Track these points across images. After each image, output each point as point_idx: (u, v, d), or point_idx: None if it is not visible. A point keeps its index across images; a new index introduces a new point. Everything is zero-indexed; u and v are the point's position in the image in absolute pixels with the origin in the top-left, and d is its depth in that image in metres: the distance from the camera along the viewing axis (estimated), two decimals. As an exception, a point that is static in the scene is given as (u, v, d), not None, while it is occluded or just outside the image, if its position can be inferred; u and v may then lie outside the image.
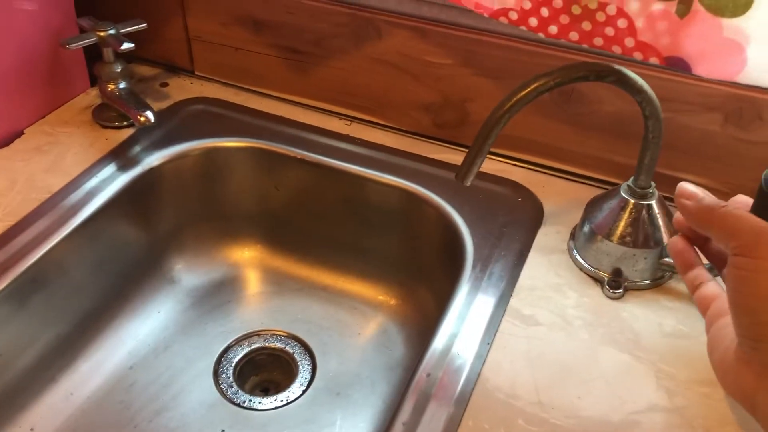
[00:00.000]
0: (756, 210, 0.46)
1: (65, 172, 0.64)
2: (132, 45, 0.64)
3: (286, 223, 0.71)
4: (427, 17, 0.63)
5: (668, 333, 0.52)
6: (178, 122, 0.71)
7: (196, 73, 0.78)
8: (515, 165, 0.67)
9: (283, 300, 0.70)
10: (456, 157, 0.68)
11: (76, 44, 0.64)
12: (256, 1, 0.69)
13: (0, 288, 0.54)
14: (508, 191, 0.64)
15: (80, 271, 0.62)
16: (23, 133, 0.68)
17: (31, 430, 0.57)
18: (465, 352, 0.50)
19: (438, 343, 0.50)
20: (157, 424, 0.59)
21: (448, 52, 0.64)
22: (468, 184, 0.51)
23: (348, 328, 0.68)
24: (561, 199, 0.64)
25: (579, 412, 0.46)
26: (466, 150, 0.68)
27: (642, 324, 0.53)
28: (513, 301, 0.54)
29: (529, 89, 0.47)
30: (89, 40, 0.65)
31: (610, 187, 0.60)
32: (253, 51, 0.73)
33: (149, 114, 0.64)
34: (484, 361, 0.49)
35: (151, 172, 0.65)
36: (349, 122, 0.72)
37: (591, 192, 0.63)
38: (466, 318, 0.53)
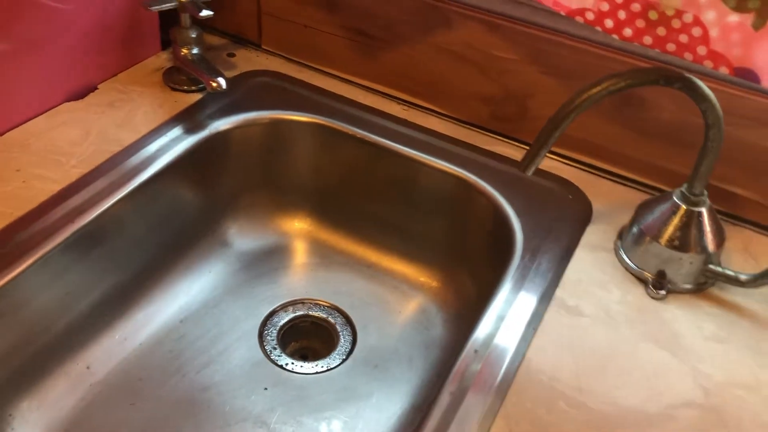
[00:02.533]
0: None
1: (135, 129, 0.67)
2: (211, 13, 0.67)
3: (337, 199, 0.74)
4: (499, 12, 0.65)
5: (707, 336, 0.54)
6: (244, 92, 0.73)
7: (263, 46, 0.80)
8: (567, 164, 0.69)
9: (328, 272, 0.73)
10: (510, 150, 0.70)
11: (157, 7, 0.67)
12: (332, -19, 0.71)
13: (68, 234, 0.57)
14: (558, 188, 0.66)
15: (141, 225, 0.64)
16: (96, 88, 0.71)
17: (87, 368, 0.60)
18: (511, 334, 0.52)
19: (486, 323, 0.53)
20: (203, 376, 0.62)
21: (516, 47, 0.66)
22: (530, 174, 0.53)
23: (389, 305, 0.70)
24: (610, 200, 0.65)
25: (617, 400, 0.49)
26: (521, 144, 0.71)
27: (682, 325, 0.54)
28: (558, 292, 0.56)
29: (600, 87, 0.49)
30: (170, 4, 0.68)
31: (658, 193, 0.62)
32: (321, 30, 0.75)
33: (221, 80, 0.67)
34: (529, 345, 0.52)
35: (218, 136, 0.68)
36: (407, 107, 0.74)
37: (639, 196, 0.65)
38: (513, 303, 0.55)
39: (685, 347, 0.53)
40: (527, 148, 0.69)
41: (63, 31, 0.66)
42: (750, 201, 0.63)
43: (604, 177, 0.68)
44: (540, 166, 0.67)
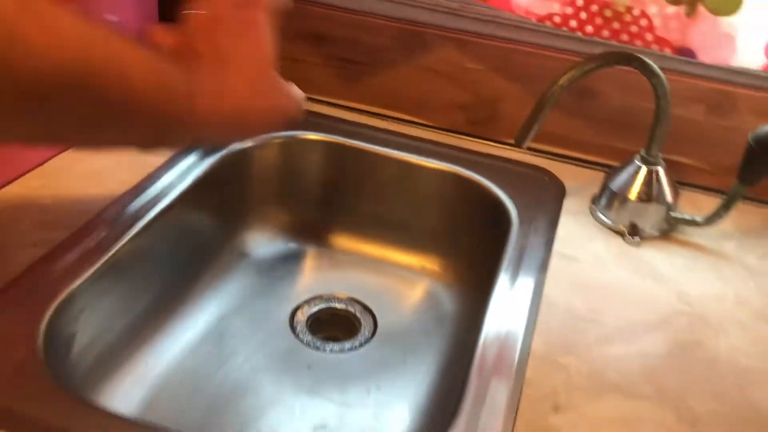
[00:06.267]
0: (743, 165, 0.61)
1: (162, 153, 0.74)
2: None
3: (343, 205, 0.83)
4: (469, 30, 0.78)
5: (680, 268, 0.66)
6: (249, 118, 0.82)
7: (255, 82, 0.89)
8: (539, 155, 0.81)
9: (340, 271, 0.81)
10: (487, 148, 0.82)
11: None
12: (319, 18, 0.82)
13: (124, 242, 0.63)
14: (535, 173, 0.78)
15: (175, 239, 0.71)
16: (114, 124, 0.78)
17: (146, 364, 0.65)
18: (527, 278, 0.62)
19: (504, 273, 0.63)
20: (251, 362, 0.68)
21: (484, 59, 0.78)
22: (525, 146, 0.65)
23: (400, 291, 0.79)
24: (578, 179, 0.78)
25: (623, 315, 0.59)
26: (497, 143, 0.82)
27: (659, 262, 0.67)
28: (556, 246, 0.67)
29: (577, 68, 0.61)
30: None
31: (615, 170, 0.75)
32: (310, 61, 0.86)
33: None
34: (543, 284, 0.62)
35: (237, 153, 0.76)
36: (393, 122, 0.85)
37: (601, 174, 0.78)
38: (522, 258, 0.65)
39: (665, 277, 0.65)
40: (501, 146, 0.82)
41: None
42: (692, 167, 0.77)
43: (570, 162, 0.81)
44: (516, 158, 0.80)
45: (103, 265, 0.60)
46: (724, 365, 0.56)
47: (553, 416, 0.50)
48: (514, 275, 0.63)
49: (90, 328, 0.60)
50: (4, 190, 0.66)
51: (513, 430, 0.48)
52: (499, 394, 0.51)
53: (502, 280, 0.62)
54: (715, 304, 0.62)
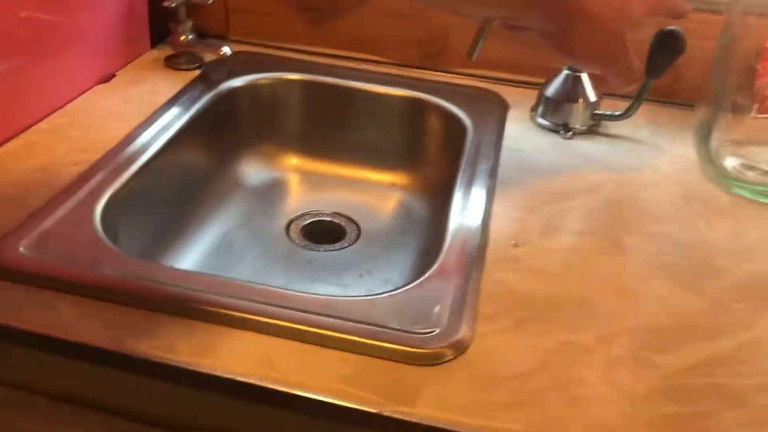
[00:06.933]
0: (648, 60, 0.76)
1: (164, 93, 0.85)
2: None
3: (319, 136, 0.96)
4: (418, -25, 0.92)
5: (605, 150, 0.81)
6: (231, 66, 0.94)
7: (230, 37, 1.01)
8: (484, 81, 0.95)
9: (323, 192, 0.94)
10: (441, 78, 0.95)
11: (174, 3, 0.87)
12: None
13: (136, 170, 0.74)
14: (481, 93, 0.93)
15: (179, 169, 0.82)
16: (114, 75, 0.89)
17: (172, 265, 0.77)
18: (484, 165, 0.76)
19: (465, 164, 0.77)
20: (257, 264, 0.81)
21: (433, -1, 0.92)
22: (475, 58, 0.78)
23: (377, 204, 0.92)
24: (516, 95, 0.92)
25: (564, 185, 0.74)
26: (449, 73, 0.96)
27: (587, 148, 0.82)
28: (505, 143, 0.82)
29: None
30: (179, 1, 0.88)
31: (548, 86, 0.90)
32: (278, 13, 0.98)
33: (226, 48, 0.87)
34: (497, 168, 0.76)
35: (227, 93, 0.88)
36: (358, 63, 0.98)
37: (534, 91, 0.92)
38: (478, 152, 0.79)
39: (594, 157, 0.80)
40: (452, 75, 0.96)
41: (74, 38, 0.83)
42: (608, 77, 0.92)
43: (510, 84, 0.95)
44: (461, 83, 0.94)
45: (127, 182, 0.72)
46: (644, 211, 0.71)
47: (514, 250, 0.64)
48: (473, 164, 0.77)
49: (125, 234, 0.71)
50: (35, 127, 0.76)
51: (484, 259, 0.62)
52: (469, 239, 0.65)
53: (464, 168, 0.76)
54: (635, 173, 0.77)
